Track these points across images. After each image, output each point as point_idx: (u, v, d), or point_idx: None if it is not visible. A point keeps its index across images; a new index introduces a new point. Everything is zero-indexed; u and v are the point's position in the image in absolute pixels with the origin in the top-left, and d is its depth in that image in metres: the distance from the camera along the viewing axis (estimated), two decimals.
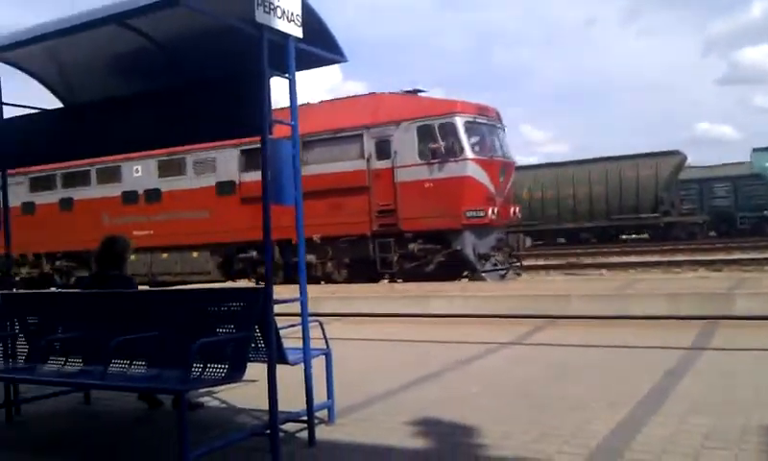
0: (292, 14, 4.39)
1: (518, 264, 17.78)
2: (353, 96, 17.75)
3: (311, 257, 16.22)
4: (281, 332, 4.57)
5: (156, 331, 4.63)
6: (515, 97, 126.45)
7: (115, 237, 5.82)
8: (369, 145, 16.04)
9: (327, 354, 5.09)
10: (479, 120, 16.13)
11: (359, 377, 6.44)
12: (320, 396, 4.84)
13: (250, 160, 17.07)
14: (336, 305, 11.52)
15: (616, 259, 22.76)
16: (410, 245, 15.86)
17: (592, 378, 5.96)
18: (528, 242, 18.72)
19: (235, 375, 4.29)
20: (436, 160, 15.36)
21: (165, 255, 18.84)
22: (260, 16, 4.14)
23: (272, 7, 4.21)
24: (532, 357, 7.17)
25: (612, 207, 31.51)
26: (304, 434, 4.58)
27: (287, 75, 4.54)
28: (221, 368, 4.39)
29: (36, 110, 5.82)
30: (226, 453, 4.26)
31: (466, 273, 15.83)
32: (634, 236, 33.44)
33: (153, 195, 19.10)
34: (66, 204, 20.38)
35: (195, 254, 18.52)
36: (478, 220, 15.39)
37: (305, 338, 4.56)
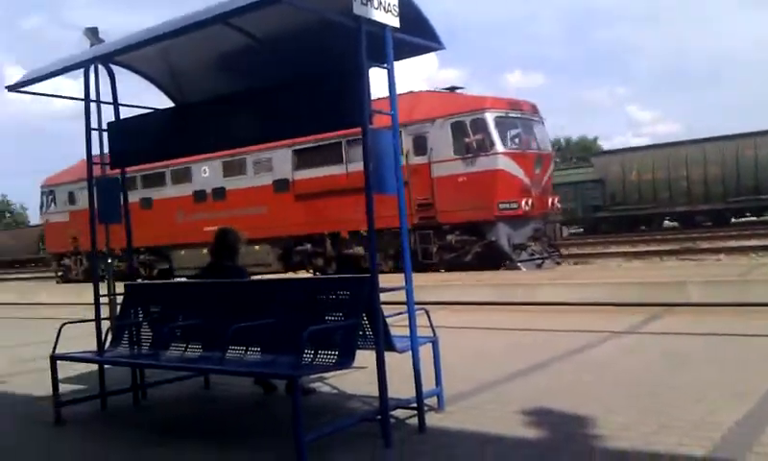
0: (389, 5, 4.39)
1: (557, 253, 17.88)
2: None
3: (360, 249, 16.89)
4: (388, 320, 4.63)
5: (269, 319, 4.78)
6: (618, 77, 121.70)
7: (227, 229, 6.05)
8: (407, 142, 16.27)
9: (434, 342, 5.09)
10: (511, 115, 16.50)
11: (466, 366, 6.41)
12: (427, 384, 4.86)
13: (301, 160, 18.27)
14: (440, 294, 11.51)
15: (735, 243, 21.51)
16: (448, 236, 16.33)
17: (713, 368, 5.67)
18: (565, 232, 18.49)
19: (345, 361, 4.37)
20: (469, 155, 15.81)
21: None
22: (358, 8, 4.17)
23: None
24: (647, 346, 6.90)
25: (729, 189, 29.76)
26: (414, 421, 4.60)
27: (385, 65, 4.56)
28: (331, 355, 4.48)
29: (149, 110, 6.11)
30: (337, 438, 4.34)
31: (507, 262, 16.04)
32: (753, 219, 31.50)
33: (218, 193, 20.39)
34: (146, 203, 21.73)
35: (257, 248, 19.04)
36: (512, 211, 15.76)
37: (412, 326, 4.58)
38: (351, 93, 4.40)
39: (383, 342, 4.35)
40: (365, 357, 4.59)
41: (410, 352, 4.60)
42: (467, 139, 15.70)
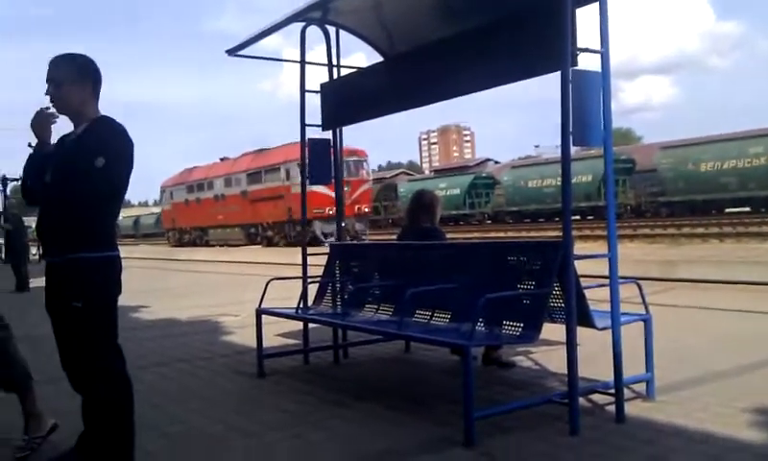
0: None
1: (352, 240, 26.07)
2: (283, 144, 31.65)
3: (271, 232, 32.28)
4: (595, 293, 4.12)
5: (455, 284, 4.51)
6: None
7: (423, 190, 5.86)
8: (283, 174, 30.73)
9: (647, 320, 4.42)
10: None
11: (700, 350, 5.60)
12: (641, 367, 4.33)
13: (250, 179, 33.72)
14: (687, 270, 10.31)
15: None
16: (297, 227, 29.49)
17: None
18: (359, 226, 29.48)
19: (529, 335, 3.96)
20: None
21: (228, 229, 35.89)
22: None
23: None
24: None
25: None
26: (614, 408, 4.02)
27: None
28: (517, 326, 4.08)
29: (356, 69, 6.08)
30: (521, 417, 3.95)
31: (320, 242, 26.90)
32: None
33: (222, 197, 35.99)
34: (197, 201, 38.11)
35: (236, 230, 34.96)
36: (320, 214, 27.23)
37: (614, 299, 3.96)
38: (551, 30, 3.87)
39: (574, 315, 3.83)
40: (583, 333, 4.06)
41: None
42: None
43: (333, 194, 24.83)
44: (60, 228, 3.18)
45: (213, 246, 35.20)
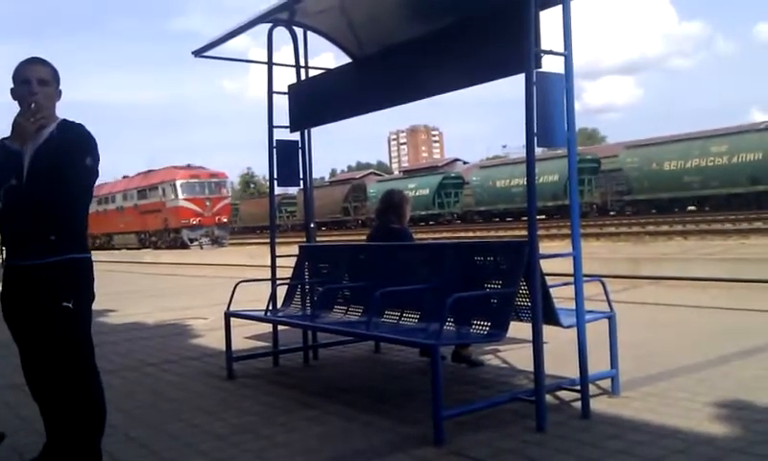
0: None
1: (213, 244, 36.85)
2: (163, 168, 40.98)
3: (155, 238, 40.58)
4: (560, 291, 4.17)
5: (423, 284, 4.54)
6: None
7: (392, 191, 5.86)
8: (160, 191, 38.87)
9: (611, 318, 4.49)
10: (191, 180, 38.22)
11: (659, 347, 5.70)
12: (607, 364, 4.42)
13: (140, 194, 41.25)
14: (655, 268, 10.49)
15: None
16: (171, 234, 37.84)
17: None
18: (218, 232, 38.13)
19: (496, 334, 3.99)
20: (173, 198, 37.78)
21: (126, 235, 43.17)
22: None
23: None
24: None
25: None
26: (580, 404, 4.08)
27: None
28: (485, 326, 4.12)
29: (324, 70, 6.08)
30: (488, 415, 4.00)
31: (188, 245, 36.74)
32: None
33: (121, 209, 43.55)
34: (104, 211, 44.32)
35: (132, 236, 42.43)
36: (187, 224, 37.17)
37: (578, 298, 4.03)
38: (515, 33, 3.92)
39: (540, 313, 3.88)
40: (551, 332, 4.15)
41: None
42: (173, 191, 37.37)
43: (196, 208, 41.54)
44: (46, 229, 3.10)
45: (118, 249, 42.25)
